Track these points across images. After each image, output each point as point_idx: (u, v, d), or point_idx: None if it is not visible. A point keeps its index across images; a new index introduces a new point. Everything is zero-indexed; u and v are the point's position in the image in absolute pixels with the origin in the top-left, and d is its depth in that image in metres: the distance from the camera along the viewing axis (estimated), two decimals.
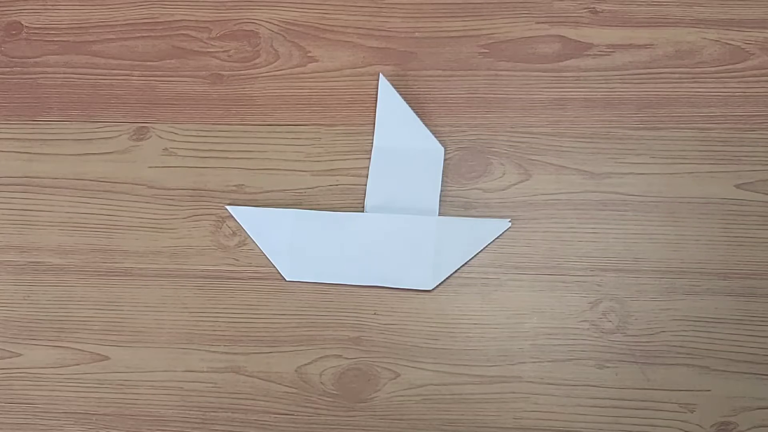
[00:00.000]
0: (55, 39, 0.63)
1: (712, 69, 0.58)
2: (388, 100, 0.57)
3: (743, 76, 0.57)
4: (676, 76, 0.58)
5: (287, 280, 0.57)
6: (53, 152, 0.61)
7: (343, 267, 0.56)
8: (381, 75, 0.57)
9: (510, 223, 0.56)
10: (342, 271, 0.56)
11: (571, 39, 0.59)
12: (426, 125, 0.57)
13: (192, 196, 0.59)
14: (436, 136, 0.57)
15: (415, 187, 0.57)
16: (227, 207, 0.58)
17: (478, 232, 0.56)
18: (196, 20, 0.62)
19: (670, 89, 0.58)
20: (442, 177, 0.57)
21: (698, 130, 0.57)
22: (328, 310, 0.57)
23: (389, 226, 0.56)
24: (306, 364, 0.56)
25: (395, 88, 0.57)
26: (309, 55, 0.61)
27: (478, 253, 0.56)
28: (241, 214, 0.58)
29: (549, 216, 0.57)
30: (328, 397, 0.56)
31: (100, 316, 0.58)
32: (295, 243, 0.57)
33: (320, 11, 0.61)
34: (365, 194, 0.58)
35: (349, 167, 0.58)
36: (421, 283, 0.56)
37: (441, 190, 0.57)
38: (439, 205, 0.57)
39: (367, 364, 0.56)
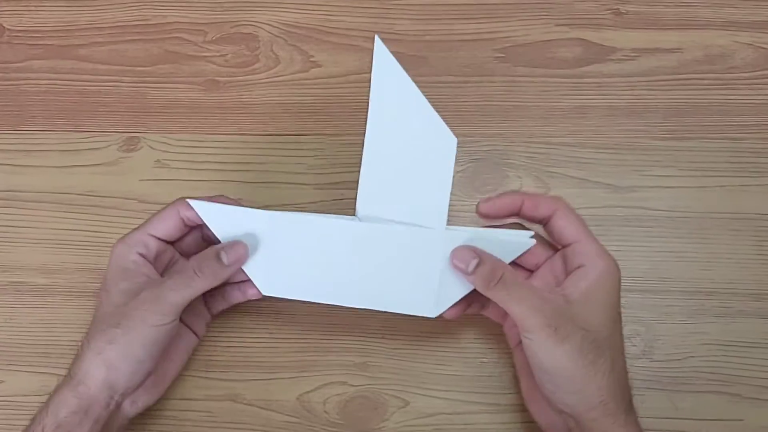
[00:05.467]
0: (39, 43, 0.64)
1: (745, 75, 0.59)
2: (386, 72, 0.50)
3: None
4: (706, 82, 0.59)
5: (263, 294, 0.53)
6: (37, 164, 0.61)
7: (329, 284, 0.51)
8: (377, 37, 0.50)
9: (534, 240, 0.50)
10: (327, 289, 0.51)
11: (593, 42, 0.60)
12: None
13: None
14: None
15: (419, 188, 0.51)
16: (188, 200, 0.50)
17: (495, 250, 0.49)
18: (191, 22, 0.63)
19: (700, 96, 0.59)
20: (454, 189, 0.56)
21: (730, 140, 0.58)
22: (332, 333, 0.57)
23: (384, 238, 0.50)
24: (308, 392, 0.57)
25: None
26: (312, 59, 0.62)
27: None
28: (205, 211, 0.50)
29: None
30: (332, 426, 0.56)
31: None
32: (273, 251, 0.50)
33: (324, 13, 0.62)
34: (356, 196, 0.53)
35: (355, 180, 0.56)
36: (421, 309, 0.50)
37: (452, 201, 0.54)
38: (448, 213, 0.53)
39: (374, 391, 0.57)
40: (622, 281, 0.54)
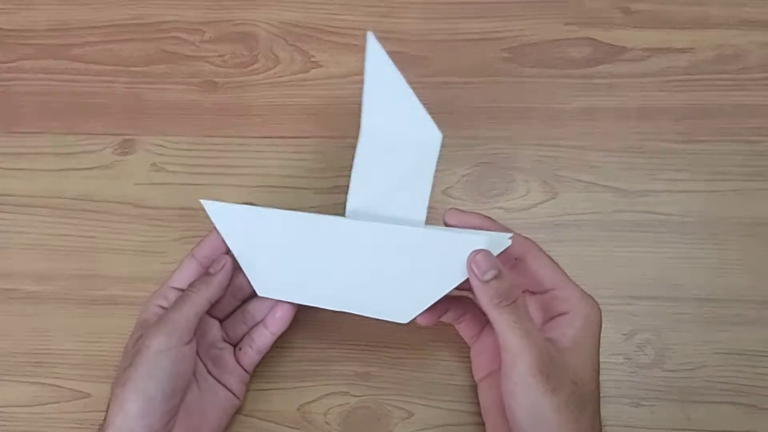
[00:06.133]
0: (32, 42, 0.64)
1: (759, 76, 0.59)
2: (379, 67, 0.48)
3: None
4: (719, 83, 0.59)
5: (259, 295, 0.53)
6: (29, 167, 0.61)
7: (317, 286, 0.50)
8: (369, 33, 0.48)
9: (510, 241, 0.46)
10: (315, 292, 0.50)
11: (602, 42, 0.60)
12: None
13: (183, 216, 0.59)
14: (453, 149, 0.58)
15: (404, 182, 0.50)
16: (201, 201, 0.51)
17: (469, 250, 0.46)
18: (188, 21, 0.63)
19: (713, 98, 0.59)
20: (459, 193, 0.58)
21: (743, 143, 0.58)
22: (334, 342, 0.57)
23: (363, 236, 0.48)
24: (310, 402, 0.56)
25: None
26: (312, 60, 0.62)
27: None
28: (212, 209, 0.51)
29: (577, 238, 0.57)
30: None
31: (81, 349, 0.58)
32: (272, 251, 0.51)
33: (325, 11, 0.62)
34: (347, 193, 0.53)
35: None
36: (393, 313, 0.49)
37: (456, 205, 0.57)
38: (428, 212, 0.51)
39: (377, 401, 0.56)
40: (632, 288, 0.55)
